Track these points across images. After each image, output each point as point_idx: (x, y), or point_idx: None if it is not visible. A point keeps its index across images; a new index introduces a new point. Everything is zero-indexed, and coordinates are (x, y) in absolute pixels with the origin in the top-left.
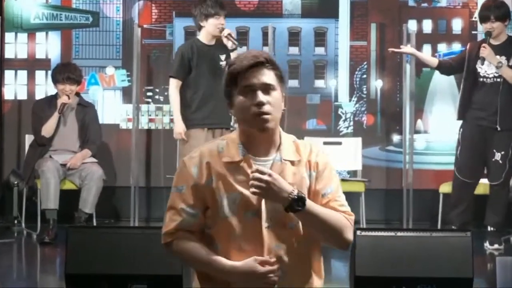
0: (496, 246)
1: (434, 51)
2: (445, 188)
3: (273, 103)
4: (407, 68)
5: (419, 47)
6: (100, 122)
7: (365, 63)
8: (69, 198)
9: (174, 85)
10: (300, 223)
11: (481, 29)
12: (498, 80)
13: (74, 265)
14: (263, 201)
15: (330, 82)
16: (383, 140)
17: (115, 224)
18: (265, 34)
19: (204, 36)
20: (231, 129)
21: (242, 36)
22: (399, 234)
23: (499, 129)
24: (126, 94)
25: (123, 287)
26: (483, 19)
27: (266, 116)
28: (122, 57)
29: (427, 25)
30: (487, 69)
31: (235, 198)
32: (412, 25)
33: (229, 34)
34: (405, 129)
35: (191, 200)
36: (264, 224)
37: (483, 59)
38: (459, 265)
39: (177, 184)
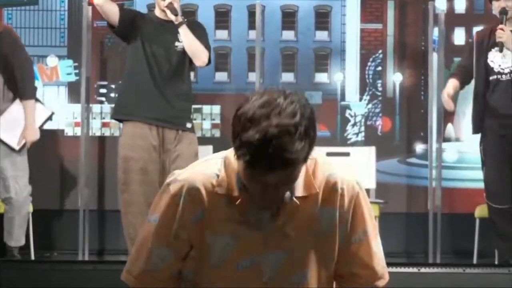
0: None
1: (469, 36)
2: (482, 211)
3: (288, 188)
4: (433, 58)
5: (449, 31)
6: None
7: (380, 51)
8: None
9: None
10: (310, 277)
11: None
12: None
13: None
14: (262, 249)
15: (335, 76)
16: (403, 150)
17: (59, 257)
18: (251, 14)
19: (158, 11)
20: (187, 130)
21: (222, 17)
22: (423, 270)
23: None
24: (73, 92)
25: None
26: None
27: (274, 206)
28: (68, 43)
29: (460, 3)
30: (501, 62)
31: (227, 243)
32: (440, 2)
33: (170, 3)
34: (431, 136)
35: (165, 237)
36: (262, 277)
37: (502, 45)
38: None
39: (152, 212)
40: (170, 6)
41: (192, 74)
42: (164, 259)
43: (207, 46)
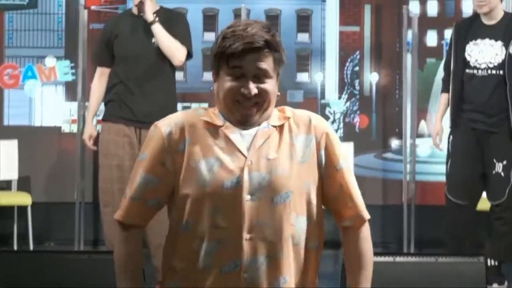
0: (495, 286)
1: (441, 38)
2: None
3: (264, 93)
4: (408, 59)
5: (422, 34)
6: (39, 124)
7: (357, 52)
8: (4, 215)
9: (97, 74)
10: (294, 200)
11: None
12: (494, 72)
13: None
14: (245, 169)
15: (315, 76)
16: (379, 145)
17: (56, 248)
18: (237, 17)
19: (134, 8)
20: None
21: (209, 21)
22: (398, 259)
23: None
24: (70, 90)
25: None
26: None
27: (253, 108)
28: (65, 45)
29: (432, 7)
30: (478, 56)
31: (212, 164)
32: (414, 6)
33: (140, 2)
34: (405, 132)
35: (152, 166)
36: (246, 196)
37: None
38: None
39: (142, 151)
40: (138, 5)
41: (182, 73)
42: (147, 184)
43: (185, 42)
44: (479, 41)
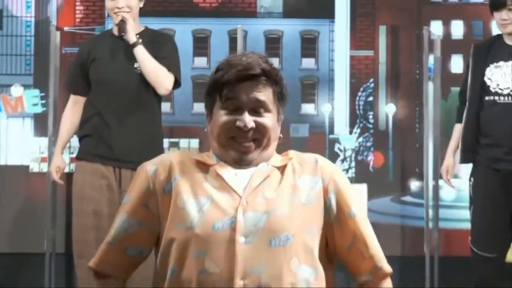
0: None
1: (467, 63)
2: None
3: (262, 128)
4: (429, 88)
5: (446, 59)
6: (3, 162)
7: (371, 80)
8: None
9: (70, 102)
10: (294, 238)
11: None
12: None
13: None
14: (240, 209)
15: (323, 107)
16: (397, 188)
17: None
18: (232, 40)
19: (115, 28)
20: None
21: (200, 44)
22: None
23: None
24: (40, 124)
25: None
26: (497, 5)
27: (248, 144)
28: (34, 71)
29: (457, 28)
30: (500, 81)
31: (202, 204)
32: (436, 27)
33: (122, 21)
34: (427, 172)
35: (133, 208)
36: (240, 238)
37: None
38: None
39: (125, 196)
40: (119, 24)
41: (169, 104)
42: (127, 228)
43: (173, 67)
44: (501, 63)
